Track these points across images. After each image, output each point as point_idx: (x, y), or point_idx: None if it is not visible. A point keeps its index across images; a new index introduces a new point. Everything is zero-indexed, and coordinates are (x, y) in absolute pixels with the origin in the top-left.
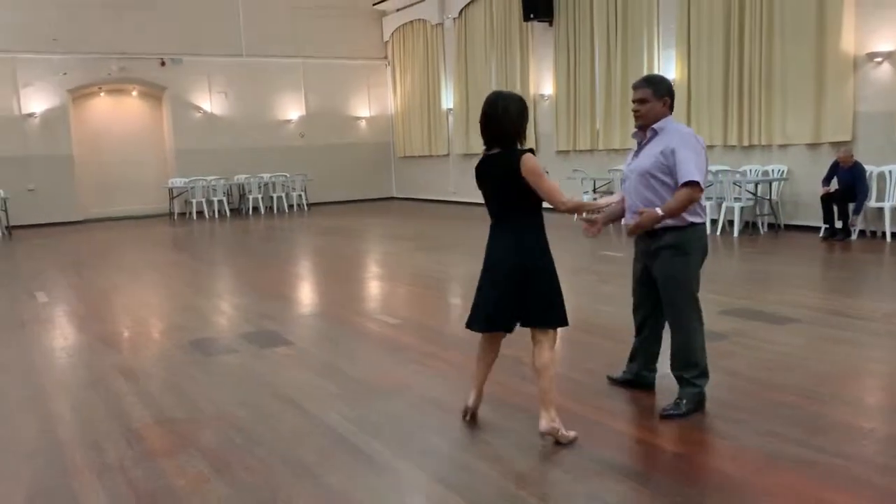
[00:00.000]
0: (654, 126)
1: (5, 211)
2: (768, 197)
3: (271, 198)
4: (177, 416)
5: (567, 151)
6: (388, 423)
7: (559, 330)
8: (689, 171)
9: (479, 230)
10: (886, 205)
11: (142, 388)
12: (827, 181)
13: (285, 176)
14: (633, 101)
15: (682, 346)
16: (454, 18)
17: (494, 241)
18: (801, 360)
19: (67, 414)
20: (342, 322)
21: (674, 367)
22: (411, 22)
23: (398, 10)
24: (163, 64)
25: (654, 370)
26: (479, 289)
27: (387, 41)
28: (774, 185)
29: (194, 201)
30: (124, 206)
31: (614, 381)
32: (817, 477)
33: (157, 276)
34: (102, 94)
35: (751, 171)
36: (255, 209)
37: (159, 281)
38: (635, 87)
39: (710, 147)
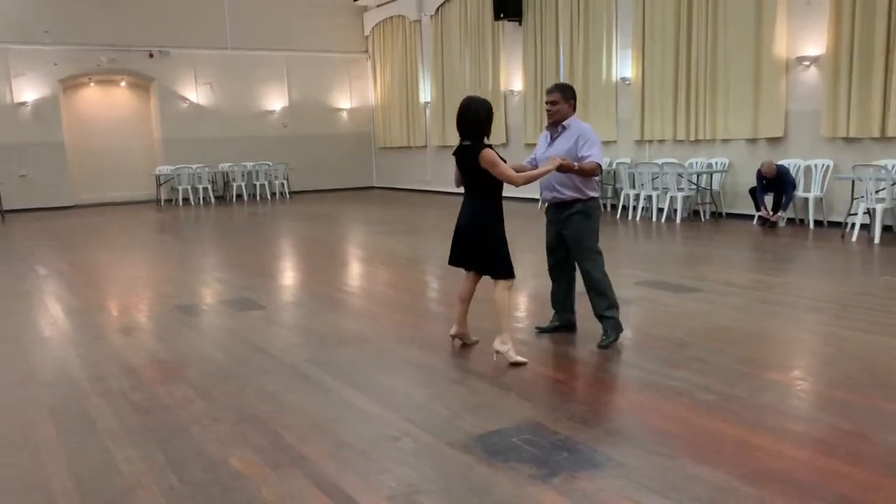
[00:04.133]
0: (564, 123)
1: None
2: (709, 187)
3: (254, 185)
4: (166, 359)
5: (534, 144)
6: (341, 363)
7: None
8: (597, 155)
9: (448, 216)
10: (811, 195)
11: (136, 339)
12: (760, 193)
13: (268, 165)
14: (547, 103)
15: (597, 289)
16: (431, 16)
17: (462, 207)
18: (683, 318)
19: (75, 358)
20: (311, 291)
21: (596, 308)
22: (391, 18)
23: (378, 5)
24: (151, 56)
25: (574, 312)
26: (453, 241)
27: (367, 35)
28: (716, 176)
29: (180, 188)
30: (113, 192)
31: (544, 331)
32: (656, 393)
33: (146, 254)
34: (92, 84)
35: (696, 163)
36: (239, 196)
37: (148, 259)
38: (549, 91)
39: (662, 142)
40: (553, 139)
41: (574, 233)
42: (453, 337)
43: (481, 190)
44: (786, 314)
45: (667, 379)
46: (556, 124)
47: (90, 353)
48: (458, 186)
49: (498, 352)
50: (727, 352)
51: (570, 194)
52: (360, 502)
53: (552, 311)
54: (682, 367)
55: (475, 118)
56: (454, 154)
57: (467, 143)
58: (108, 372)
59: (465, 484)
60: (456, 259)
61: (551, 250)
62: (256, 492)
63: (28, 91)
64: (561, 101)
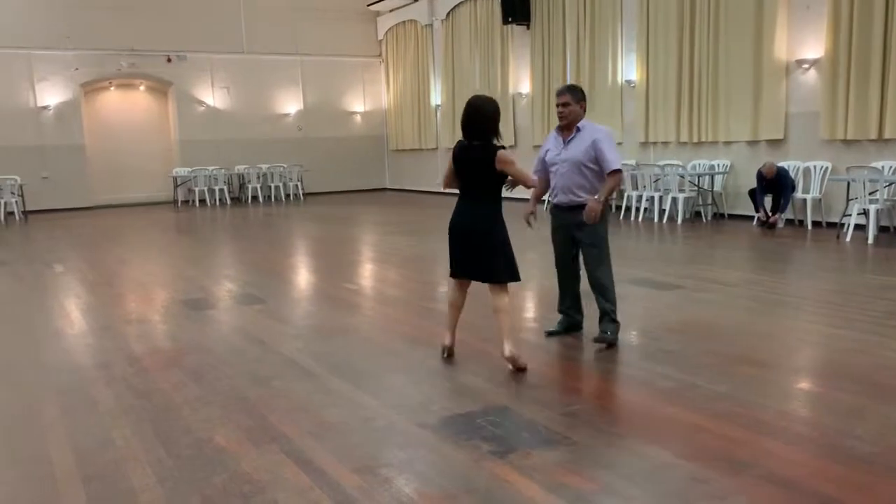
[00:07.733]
0: (578, 125)
1: (21, 196)
2: (711, 189)
3: (269, 187)
4: (167, 348)
5: (541, 145)
6: (331, 353)
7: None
8: (613, 161)
9: None
10: (809, 197)
11: (141, 330)
12: (760, 194)
13: (283, 167)
14: (558, 105)
15: (606, 288)
16: (442, 20)
17: (463, 211)
18: (659, 313)
19: (82, 346)
20: (313, 288)
21: (601, 304)
22: (403, 22)
23: (391, 10)
24: (169, 60)
25: (583, 313)
26: (451, 247)
27: (381, 40)
28: (718, 178)
29: (197, 189)
30: (132, 193)
31: (552, 334)
32: (619, 381)
33: (161, 253)
34: (112, 88)
35: (699, 165)
36: (254, 198)
37: (162, 257)
38: (559, 93)
39: (666, 144)
40: (567, 142)
41: (590, 236)
42: (449, 349)
43: (490, 192)
44: (761, 310)
45: (632, 368)
46: (569, 127)
47: (98, 343)
48: (446, 188)
49: (511, 357)
50: (695, 344)
51: (587, 197)
52: (329, 473)
53: (558, 315)
54: (648, 357)
55: (485, 117)
56: (455, 154)
57: (475, 142)
58: (111, 359)
59: (427, 458)
60: (464, 268)
61: (562, 255)
62: (236, 465)
63: (50, 95)
64: (573, 103)
